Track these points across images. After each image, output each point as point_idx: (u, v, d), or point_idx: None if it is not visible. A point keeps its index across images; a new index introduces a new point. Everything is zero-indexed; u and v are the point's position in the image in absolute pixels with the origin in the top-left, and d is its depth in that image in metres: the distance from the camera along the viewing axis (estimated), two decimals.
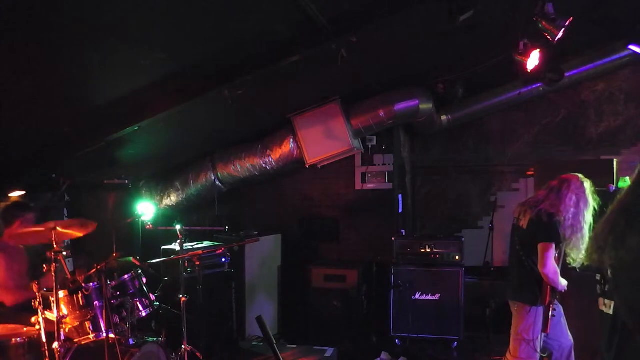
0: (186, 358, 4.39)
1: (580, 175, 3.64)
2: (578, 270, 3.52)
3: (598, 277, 2.29)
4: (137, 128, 4.53)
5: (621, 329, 1.82)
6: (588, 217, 3.50)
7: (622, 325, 1.81)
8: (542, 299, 3.53)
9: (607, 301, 1.97)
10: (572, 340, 3.78)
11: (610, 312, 1.97)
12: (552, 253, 3.45)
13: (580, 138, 6.51)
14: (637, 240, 1.69)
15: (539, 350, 3.58)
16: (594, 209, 3.52)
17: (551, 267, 3.44)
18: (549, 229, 3.47)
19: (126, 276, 4.01)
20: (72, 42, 3.11)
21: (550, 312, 3.56)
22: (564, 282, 3.58)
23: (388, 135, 6.33)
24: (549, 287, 3.51)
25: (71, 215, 5.42)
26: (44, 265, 3.64)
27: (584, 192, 3.55)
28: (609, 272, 1.90)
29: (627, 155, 6.20)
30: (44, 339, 3.46)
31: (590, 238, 1.92)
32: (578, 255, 3.52)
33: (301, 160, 5.93)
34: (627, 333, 1.78)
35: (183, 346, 4.40)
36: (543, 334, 3.60)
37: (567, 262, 3.59)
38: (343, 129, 5.74)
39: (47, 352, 3.45)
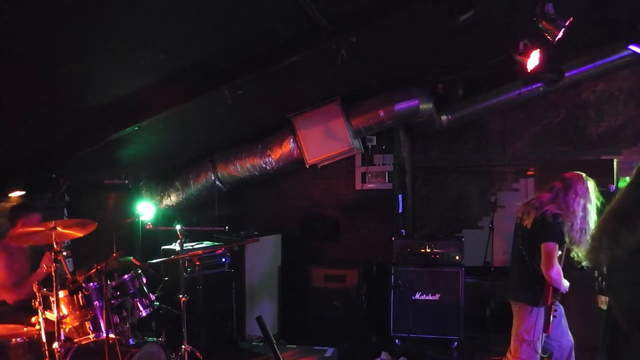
0: (186, 358, 4.40)
1: (584, 175, 3.63)
2: (586, 269, 3.51)
3: (596, 274, 2.30)
4: (137, 128, 4.53)
5: (612, 327, 1.82)
6: (594, 215, 3.49)
7: (613, 323, 1.81)
8: (544, 299, 3.52)
9: (604, 298, 1.98)
10: (573, 341, 3.78)
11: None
12: (556, 253, 3.45)
13: (580, 138, 6.51)
14: (630, 238, 1.69)
15: (539, 351, 3.57)
16: (597, 206, 3.52)
17: (555, 267, 3.44)
18: (553, 229, 3.46)
19: (126, 276, 4.01)
20: (72, 42, 3.11)
21: (552, 313, 3.56)
22: (566, 283, 3.58)
23: (388, 135, 6.33)
24: (551, 287, 3.50)
25: (71, 215, 5.43)
26: (44, 265, 3.66)
27: (590, 193, 3.54)
28: (604, 270, 1.90)
29: (627, 155, 6.20)
30: (44, 339, 3.46)
31: (590, 237, 1.94)
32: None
33: (301, 160, 5.93)
34: (619, 332, 1.78)
35: (183, 346, 4.40)
36: (544, 335, 3.59)
37: (576, 260, 3.55)
38: (343, 129, 5.73)
39: (47, 352, 3.45)
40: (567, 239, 3.50)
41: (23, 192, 4.72)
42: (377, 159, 6.47)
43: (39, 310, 3.48)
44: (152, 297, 4.21)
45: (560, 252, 3.54)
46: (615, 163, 5.02)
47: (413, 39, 4.61)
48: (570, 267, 4.63)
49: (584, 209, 3.49)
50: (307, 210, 6.75)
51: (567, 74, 5.60)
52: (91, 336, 3.68)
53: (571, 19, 3.87)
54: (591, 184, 3.58)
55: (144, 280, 4.19)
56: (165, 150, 5.84)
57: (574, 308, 4.43)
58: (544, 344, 3.68)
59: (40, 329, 3.48)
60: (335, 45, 3.92)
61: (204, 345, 4.76)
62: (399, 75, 5.68)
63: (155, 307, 4.21)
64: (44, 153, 4.62)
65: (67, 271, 3.73)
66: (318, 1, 3.40)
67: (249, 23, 3.55)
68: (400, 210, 6.43)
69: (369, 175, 6.48)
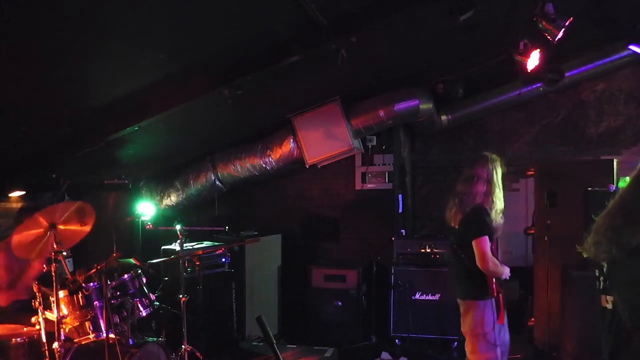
0: (186, 358, 4.40)
1: (487, 154, 3.73)
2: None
3: (597, 272, 2.29)
4: (137, 128, 4.53)
5: (617, 325, 1.82)
6: (498, 181, 3.61)
7: (618, 321, 1.81)
8: (490, 291, 3.53)
9: (609, 297, 1.97)
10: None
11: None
12: (487, 245, 3.46)
13: (580, 138, 6.50)
14: (632, 240, 1.69)
15: (496, 342, 3.55)
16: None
17: (489, 261, 3.45)
18: (477, 223, 3.51)
19: (126, 276, 4.01)
20: (72, 42, 3.11)
21: (502, 301, 3.58)
22: (506, 270, 3.58)
23: (388, 135, 6.33)
24: (493, 279, 3.52)
25: None
26: (44, 266, 3.65)
27: (492, 167, 3.63)
28: (604, 267, 1.91)
29: (627, 155, 6.20)
30: (44, 339, 3.46)
31: (590, 231, 1.94)
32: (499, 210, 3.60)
33: (301, 160, 5.93)
34: (623, 329, 1.78)
35: (183, 346, 4.40)
36: (498, 325, 3.58)
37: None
38: (343, 129, 5.74)
39: (47, 352, 3.45)
40: (492, 213, 3.56)
41: (23, 192, 4.72)
42: (377, 159, 6.46)
43: (39, 310, 3.47)
44: (152, 297, 4.20)
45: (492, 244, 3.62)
46: (615, 163, 5.01)
47: (413, 38, 4.61)
48: (570, 267, 4.63)
49: (489, 183, 3.59)
50: (307, 210, 6.75)
51: (567, 74, 5.60)
52: (91, 336, 3.68)
53: (571, 19, 3.87)
54: (496, 161, 3.68)
55: (144, 280, 4.18)
56: (165, 150, 5.84)
57: (574, 309, 4.43)
58: None
59: (40, 329, 3.48)
60: (335, 45, 3.92)
61: (204, 345, 4.76)
62: (399, 75, 5.68)
63: (155, 307, 4.21)
64: (44, 153, 4.62)
65: (67, 271, 3.72)
66: (318, 1, 3.40)
67: (249, 23, 3.55)
68: (400, 210, 6.43)
69: (369, 175, 6.47)
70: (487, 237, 3.47)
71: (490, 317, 3.53)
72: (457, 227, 3.66)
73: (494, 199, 3.58)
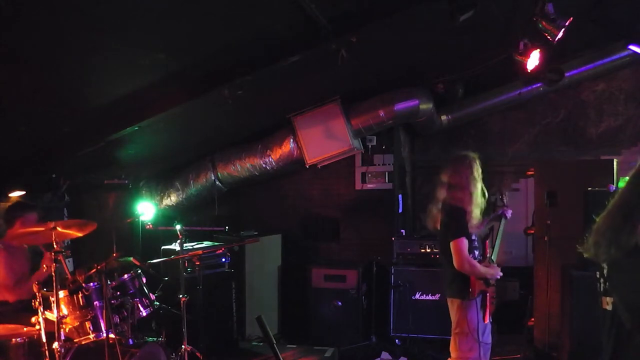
0: (186, 358, 4.40)
1: (462, 156, 3.77)
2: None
3: (598, 274, 2.29)
4: (137, 128, 4.53)
5: (618, 326, 1.83)
6: (479, 185, 3.66)
7: (619, 322, 1.82)
8: (472, 291, 3.57)
9: (609, 299, 1.98)
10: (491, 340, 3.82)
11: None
12: (464, 247, 3.51)
13: (580, 138, 6.50)
14: (630, 239, 1.69)
15: (480, 339, 3.58)
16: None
17: (464, 262, 3.49)
18: (454, 224, 3.57)
19: (126, 276, 4.02)
20: (72, 42, 3.11)
21: (489, 301, 3.62)
22: (491, 271, 3.63)
23: (388, 135, 6.32)
24: (475, 279, 3.56)
25: (71, 215, 5.43)
26: (44, 266, 3.66)
27: (468, 170, 3.67)
28: (604, 269, 1.90)
29: (627, 155, 6.19)
30: (44, 339, 3.46)
31: (590, 231, 1.95)
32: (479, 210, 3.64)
33: (301, 160, 5.92)
34: (624, 330, 1.78)
35: (183, 346, 4.40)
36: (483, 324, 3.62)
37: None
38: (343, 129, 5.73)
39: (47, 352, 3.45)
40: (473, 207, 3.59)
41: (23, 192, 4.72)
42: (377, 159, 6.45)
43: (39, 310, 3.48)
44: (152, 297, 4.21)
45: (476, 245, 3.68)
46: (615, 163, 5.01)
47: (413, 38, 4.60)
48: (570, 268, 4.64)
49: (470, 184, 3.63)
50: (307, 210, 6.75)
51: (567, 74, 5.60)
52: (91, 336, 3.69)
53: (571, 19, 3.87)
54: (475, 163, 3.71)
55: (144, 280, 4.19)
56: (165, 150, 5.84)
57: (574, 309, 4.43)
58: None
59: (40, 329, 3.48)
60: (335, 45, 3.92)
61: (204, 345, 4.76)
62: (399, 75, 5.68)
63: (155, 307, 4.21)
64: (44, 153, 4.62)
65: (67, 271, 3.73)
66: (318, 1, 3.40)
67: (249, 23, 3.55)
68: (400, 210, 6.43)
69: (369, 175, 6.47)
70: (464, 239, 3.52)
71: (473, 316, 3.58)
72: (439, 228, 3.73)
73: (473, 199, 3.61)
